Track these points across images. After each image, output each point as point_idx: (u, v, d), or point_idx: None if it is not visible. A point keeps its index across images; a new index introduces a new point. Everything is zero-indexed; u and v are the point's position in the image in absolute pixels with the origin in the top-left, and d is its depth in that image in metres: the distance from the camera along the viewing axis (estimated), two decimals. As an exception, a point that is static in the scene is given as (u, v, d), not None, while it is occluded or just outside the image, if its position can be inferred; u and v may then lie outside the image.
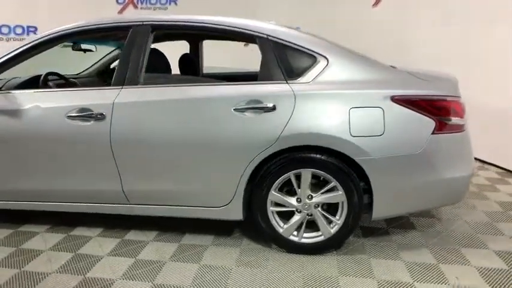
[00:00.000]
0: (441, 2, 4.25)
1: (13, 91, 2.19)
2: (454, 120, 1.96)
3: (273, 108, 1.95)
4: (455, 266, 2.02)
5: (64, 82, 2.73)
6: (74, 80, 2.91)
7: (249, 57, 3.05)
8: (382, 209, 2.02)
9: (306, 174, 2.00)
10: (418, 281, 1.89)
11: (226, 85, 2.07)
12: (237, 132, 1.97)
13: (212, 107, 2.00)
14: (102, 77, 3.39)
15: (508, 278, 1.91)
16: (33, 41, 2.20)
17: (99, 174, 2.14)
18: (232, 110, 1.97)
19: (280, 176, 2.02)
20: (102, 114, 2.05)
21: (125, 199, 2.19)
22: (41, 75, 2.53)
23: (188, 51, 3.31)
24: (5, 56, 2.21)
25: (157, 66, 2.34)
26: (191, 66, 3.02)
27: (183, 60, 2.94)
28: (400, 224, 2.53)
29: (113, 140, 2.05)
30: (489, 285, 1.84)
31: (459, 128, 1.99)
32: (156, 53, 2.45)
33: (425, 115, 1.92)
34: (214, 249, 2.20)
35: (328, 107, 1.93)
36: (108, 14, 5.58)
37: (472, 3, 3.90)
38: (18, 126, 2.13)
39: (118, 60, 2.16)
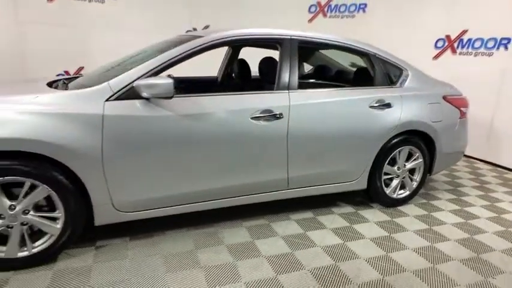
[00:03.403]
0: (364, 26, 5.78)
1: (194, 95, 2.21)
2: (465, 109, 3.28)
3: (390, 105, 2.79)
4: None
5: None
6: None
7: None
8: (436, 168, 3.17)
9: (405, 150, 2.94)
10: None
11: (361, 89, 2.77)
12: (374, 124, 2.72)
13: (357, 105, 2.67)
14: None
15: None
16: (203, 44, 2.26)
17: (272, 165, 2.45)
18: (368, 107, 2.71)
19: (391, 153, 2.88)
20: (282, 114, 2.40)
21: (285, 185, 2.57)
22: None
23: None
24: (179, 54, 2.19)
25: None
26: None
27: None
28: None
29: (289, 135, 2.43)
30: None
31: (466, 115, 3.32)
32: (271, 61, 2.81)
33: (455, 107, 3.16)
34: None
35: (419, 103, 2.92)
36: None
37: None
38: (202, 129, 2.18)
39: (279, 68, 2.51)
